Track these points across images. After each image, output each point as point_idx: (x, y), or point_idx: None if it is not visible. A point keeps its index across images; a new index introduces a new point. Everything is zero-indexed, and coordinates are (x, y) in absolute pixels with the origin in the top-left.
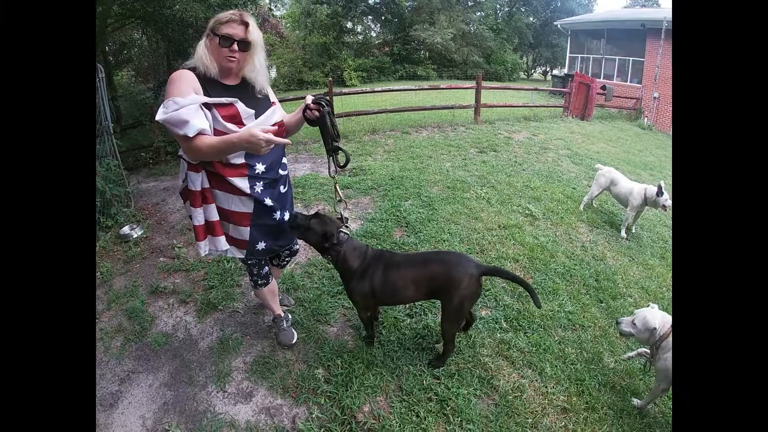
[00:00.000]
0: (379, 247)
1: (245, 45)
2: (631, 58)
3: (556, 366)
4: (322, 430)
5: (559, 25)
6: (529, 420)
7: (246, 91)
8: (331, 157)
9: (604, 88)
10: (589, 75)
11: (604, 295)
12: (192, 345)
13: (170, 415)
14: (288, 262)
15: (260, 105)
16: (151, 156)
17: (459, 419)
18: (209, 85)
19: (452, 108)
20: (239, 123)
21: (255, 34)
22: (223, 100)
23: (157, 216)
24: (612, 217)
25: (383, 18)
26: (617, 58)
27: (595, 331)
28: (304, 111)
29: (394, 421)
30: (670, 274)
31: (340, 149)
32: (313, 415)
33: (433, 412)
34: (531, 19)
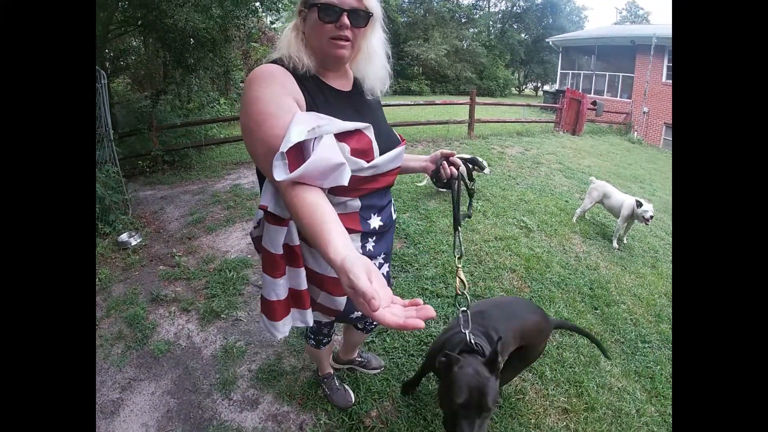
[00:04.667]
0: None
1: (359, 17)
2: (621, 74)
3: (555, 369)
4: None
5: (550, 42)
6: (532, 420)
7: (362, 100)
8: (458, 230)
9: (594, 103)
10: (580, 91)
11: (598, 302)
12: (195, 353)
13: (174, 422)
14: (376, 324)
15: (381, 128)
16: (148, 164)
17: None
18: (313, 89)
19: (447, 123)
20: (369, 158)
21: (373, 1)
22: (355, 125)
23: (156, 224)
24: (604, 228)
25: None
26: (607, 74)
27: None
28: (437, 166)
29: (402, 425)
30: (661, 282)
31: (467, 215)
32: (321, 421)
33: (440, 417)
34: (523, 35)
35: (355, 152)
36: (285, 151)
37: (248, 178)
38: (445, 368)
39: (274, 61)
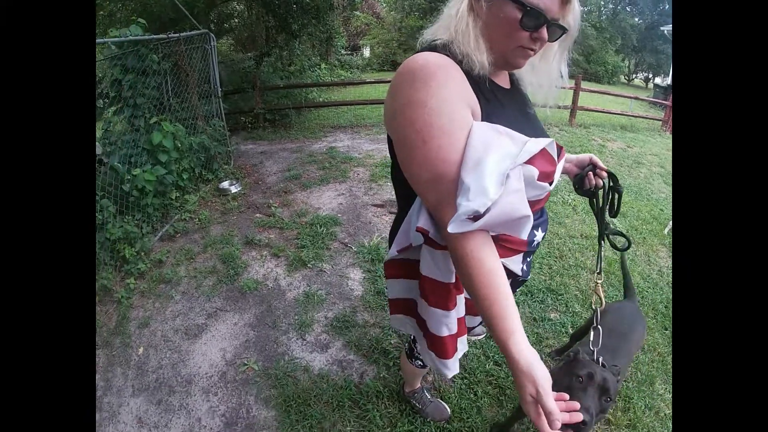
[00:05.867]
0: None
1: (555, 33)
2: None
3: None
4: (386, 389)
5: (665, 31)
6: None
7: (521, 98)
8: (602, 247)
9: None
10: None
11: (670, 323)
12: (279, 294)
13: (250, 352)
14: None
15: (540, 131)
16: (250, 121)
17: (511, 406)
18: (487, 92)
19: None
20: (552, 179)
21: (576, 15)
22: (539, 144)
23: (255, 176)
24: None
25: None
26: None
27: (653, 356)
28: (583, 173)
29: (452, 394)
30: None
31: (618, 232)
32: (381, 375)
33: (490, 395)
34: (636, 20)
35: (542, 176)
36: (480, 210)
37: (344, 141)
38: (572, 357)
39: (435, 48)
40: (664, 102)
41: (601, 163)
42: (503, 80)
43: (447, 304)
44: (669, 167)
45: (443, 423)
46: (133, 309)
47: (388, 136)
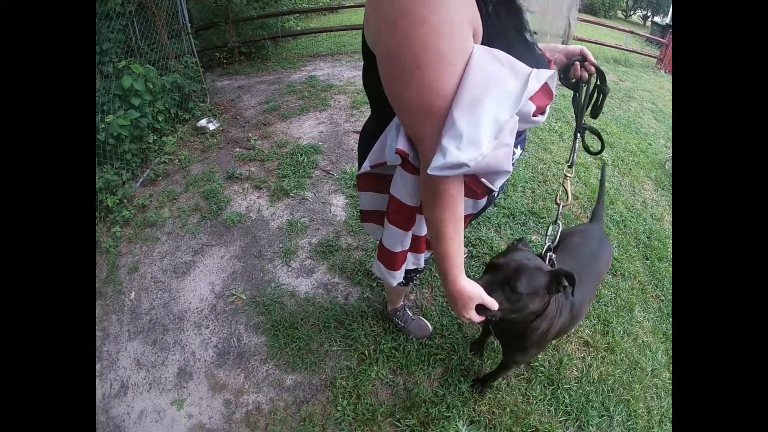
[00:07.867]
0: None
1: None
2: None
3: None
4: (370, 309)
5: None
6: (553, 342)
7: (518, 14)
8: (577, 139)
9: None
10: None
11: (651, 253)
12: (263, 225)
13: (238, 282)
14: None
15: (536, 51)
16: (225, 56)
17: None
18: (491, 5)
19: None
20: (543, 113)
21: None
22: (540, 77)
23: (233, 111)
24: None
25: None
26: None
27: (633, 283)
28: (570, 63)
29: (434, 312)
30: None
31: (594, 131)
32: (365, 296)
33: None
34: None
35: (537, 111)
36: (469, 164)
37: (324, 70)
38: (513, 245)
39: None
40: (661, 40)
41: (591, 57)
42: None
43: (407, 225)
44: (660, 104)
45: (425, 340)
46: (121, 256)
47: (364, 38)
